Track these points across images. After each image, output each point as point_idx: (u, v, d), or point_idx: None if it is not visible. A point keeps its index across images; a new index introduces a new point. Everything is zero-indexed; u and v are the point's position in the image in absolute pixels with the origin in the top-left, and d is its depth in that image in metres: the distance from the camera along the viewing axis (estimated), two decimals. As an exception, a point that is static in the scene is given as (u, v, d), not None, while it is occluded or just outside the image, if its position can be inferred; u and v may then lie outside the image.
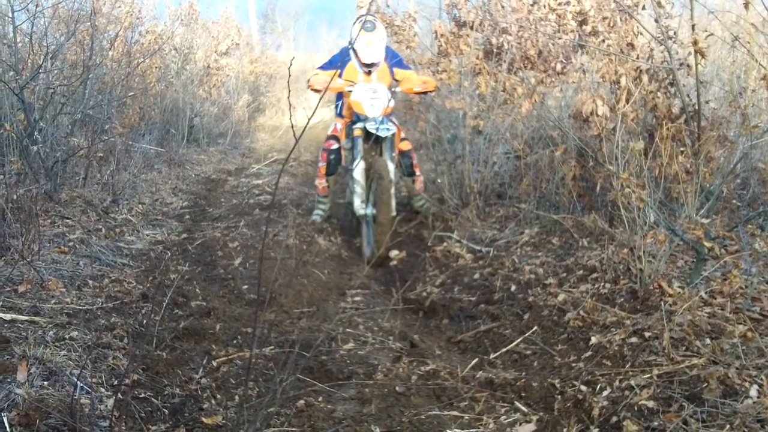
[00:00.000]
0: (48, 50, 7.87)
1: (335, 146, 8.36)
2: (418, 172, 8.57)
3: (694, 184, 5.36)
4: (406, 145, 8.44)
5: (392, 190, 7.50)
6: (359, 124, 7.81)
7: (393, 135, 7.84)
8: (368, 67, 8.04)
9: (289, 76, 3.33)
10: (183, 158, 12.82)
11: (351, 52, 8.12)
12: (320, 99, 3.91)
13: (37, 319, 4.66)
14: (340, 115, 8.38)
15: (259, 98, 21.42)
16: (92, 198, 7.90)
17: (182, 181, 11.30)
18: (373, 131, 7.66)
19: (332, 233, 8.27)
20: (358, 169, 7.76)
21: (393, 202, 7.49)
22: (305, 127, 3.49)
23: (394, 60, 8.30)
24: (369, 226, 7.58)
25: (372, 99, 7.74)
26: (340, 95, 8.20)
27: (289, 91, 3.36)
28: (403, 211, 8.64)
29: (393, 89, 8.07)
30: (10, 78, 7.52)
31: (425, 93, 8.32)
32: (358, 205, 7.73)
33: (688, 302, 4.57)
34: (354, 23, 8.12)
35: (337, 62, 8.19)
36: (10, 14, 7.79)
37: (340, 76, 8.06)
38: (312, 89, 7.88)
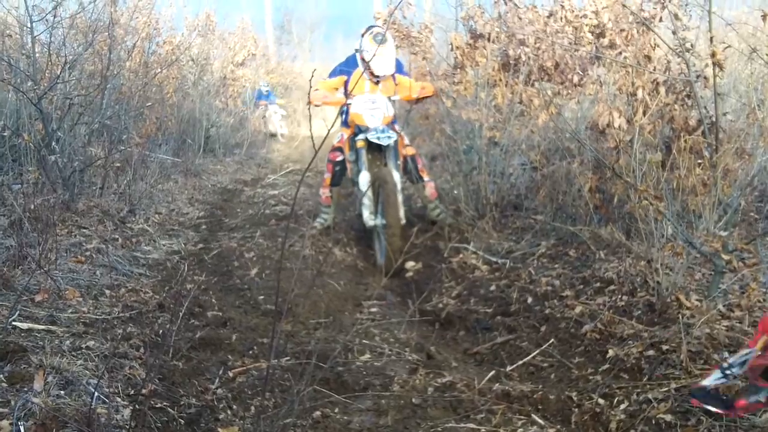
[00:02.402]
0: (66, 60, 7.90)
1: (340, 158, 8.38)
2: (426, 177, 8.55)
3: (711, 197, 5.34)
4: (410, 150, 8.45)
5: (399, 196, 7.56)
6: (361, 136, 7.87)
7: (396, 143, 7.89)
8: (377, 77, 8.06)
9: (310, 87, 3.33)
10: (199, 168, 12.86)
11: (358, 59, 8.14)
12: (339, 112, 3.93)
13: (53, 328, 4.67)
14: (345, 124, 8.39)
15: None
16: (109, 208, 7.93)
17: (198, 191, 11.33)
18: (375, 140, 7.70)
19: (348, 244, 8.27)
20: (364, 180, 7.83)
21: (401, 208, 7.55)
22: (325, 137, 3.49)
23: (397, 67, 8.35)
24: (380, 236, 7.58)
25: (371, 109, 7.81)
26: (344, 107, 8.19)
27: (309, 103, 3.37)
28: (418, 222, 8.63)
29: (392, 98, 8.13)
30: (28, 88, 7.55)
31: (425, 99, 8.35)
32: (367, 217, 7.76)
33: (706, 315, 4.55)
34: (363, 34, 8.11)
35: (344, 70, 8.28)
36: (29, 24, 7.83)
37: (346, 83, 8.14)
38: (312, 104, 7.79)
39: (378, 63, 7.92)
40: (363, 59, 8.05)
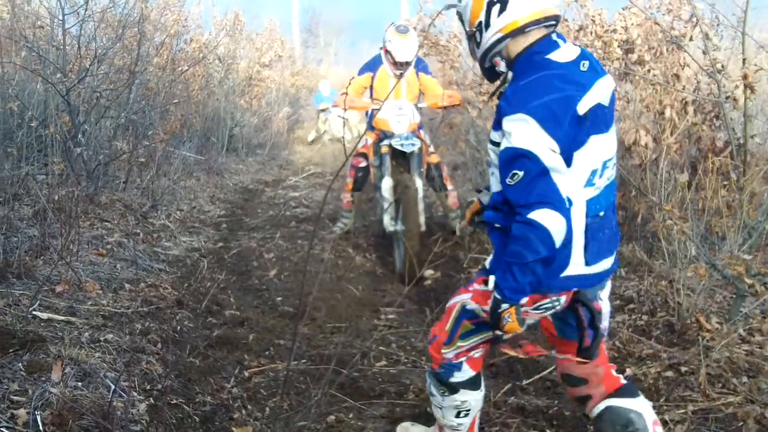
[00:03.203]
0: (95, 54, 7.93)
1: (363, 164, 8.36)
2: (450, 186, 8.51)
3: (736, 219, 5.31)
4: (435, 158, 8.42)
5: (420, 203, 7.55)
6: (386, 141, 7.85)
7: (420, 150, 7.87)
8: (400, 68, 7.99)
9: (345, 93, 3.33)
10: (221, 167, 12.89)
11: (383, 56, 8.15)
12: (368, 123, 3.94)
13: (73, 319, 4.69)
14: (371, 128, 8.37)
15: (299, 111, 21.51)
16: (132, 202, 7.95)
17: (220, 189, 11.35)
18: (398, 147, 7.71)
19: (367, 250, 8.26)
20: (386, 186, 7.78)
21: (422, 215, 7.53)
22: (356, 145, 3.50)
23: (420, 66, 8.33)
24: (399, 242, 7.57)
25: (398, 116, 7.81)
26: (371, 111, 8.18)
27: (345, 108, 3.37)
28: (439, 230, 8.62)
29: (418, 105, 8.11)
30: (57, 80, 7.58)
31: (451, 107, 8.33)
32: (388, 222, 7.72)
33: (726, 339, 4.53)
34: (387, 28, 8.10)
35: (370, 67, 8.25)
36: (61, 17, 7.86)
37: (372, 79, 8.14)
38: (339, 107, 7.76)
39: (399, 48, 7.86)
40: (386, 51, 8.03)
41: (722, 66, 6.33)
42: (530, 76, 3.20)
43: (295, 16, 32.79)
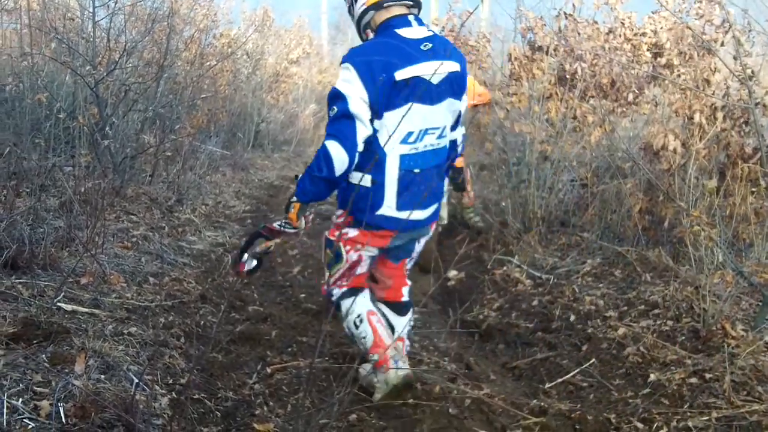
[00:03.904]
0: (125, 47, 7.97)
1: None
2: (469, 188, 8.74)
3: (765, 227, 5.28)
4: (460, 162, 8.46)
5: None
6: None
7: None
8: None
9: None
10: (247, 162, 12.91)
11: None
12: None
13: (97, 312, 4.70)
14: None
15: (325, 108, 21.51)
16: (157, 196, 7.97)
17: (245, 185, 11.37)
18: None
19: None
20: None
21: (444, 209, 7.82)
22: (387, 141, 3.49)
23: None
24: None
25: None
26: None
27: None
28: (463, 230, 8.64)
29: None
30: (86, 72, 7.61)
31: (481, 105, 8.38)
32: None
33: (752, 346, 4.50)
34: None
35: None
36: (91, 9, 7.90)
37: None
38: None
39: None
40: None
41: (753, 72, 6.29)
42: (374, 40, 4.11)
43: (324, 12, 32.74)
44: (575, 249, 7.37)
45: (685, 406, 4.20)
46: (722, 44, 7.20)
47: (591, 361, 5.10)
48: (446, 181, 7.84)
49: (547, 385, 4.95)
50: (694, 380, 4.41)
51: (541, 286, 6.72)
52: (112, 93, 7.94)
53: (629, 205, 6.82)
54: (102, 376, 3.86)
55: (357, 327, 4.42)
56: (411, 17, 4.04)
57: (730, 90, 6.76)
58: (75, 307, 4.65)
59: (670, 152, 6.35)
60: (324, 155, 3.89)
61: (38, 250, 5.14)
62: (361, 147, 3.92)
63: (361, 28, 4.22)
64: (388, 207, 4.10)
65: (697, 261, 5.36)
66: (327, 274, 4.48)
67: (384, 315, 4.59)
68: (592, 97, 8.18)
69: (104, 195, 6.46)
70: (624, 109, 8.22)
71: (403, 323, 4.60)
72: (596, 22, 8.38)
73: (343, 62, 3.94)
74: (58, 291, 4.70)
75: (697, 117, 6.45)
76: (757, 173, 5.80)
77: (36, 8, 9.21)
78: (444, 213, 7.81)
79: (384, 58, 3.86)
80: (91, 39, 8.02)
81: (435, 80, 3.96)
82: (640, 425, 4.09)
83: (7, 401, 3.35)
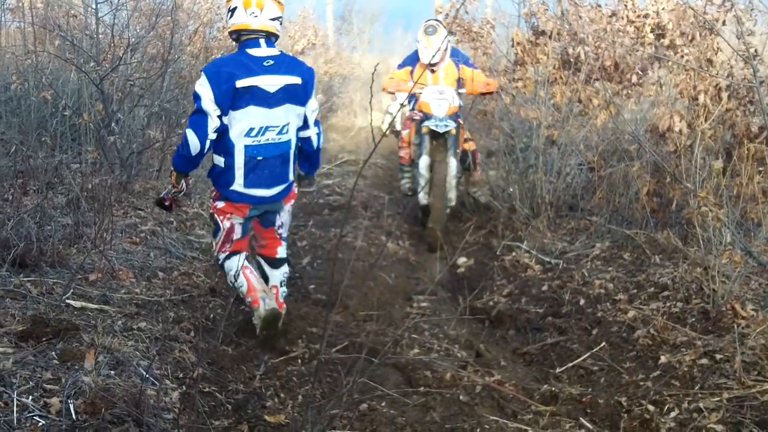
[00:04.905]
0: (129, 43, 7.97)
1: (418, 116, 8.51)
2: (478, 170, 9.05)
3: (772, 206, 5.26)
4: (470, 146, 8.83)
5: (453, 179, 8.16)
6: (426, 122, 8.26)
7: (457, 132, 8.29)
8: (430, 67, 8.40)
9: (372, 82, 3.33)
10: (255, 155, 12.87)
11: (419, 51, 8.54)
12: (398, 111, 4.17)
13: (106, 308, 4.72)
14: (414, 111, 8.60)
15: (332, 99, 21.44)
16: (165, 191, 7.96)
17: (253, 177, 11.33)
18: (433, 128, 8.16)
19: (401, 237, 8.25)
20: (423, 164, 8.24)
21: (452, 189, 8.17)
22: (387, 130, 3.48)
23: (459, 58, 8.76)
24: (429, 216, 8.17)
25: (438, 100, 8.27)
26: (413, 95, 8.48)
27: (371, 95, 3.36)
28: (473, 217, 8.65)
29: (459, 90, 8.47)
30: (90, 68, 7.61)
31: (489, 93, 8.61)
32: (422, 196, 8.30)
33: (762, 326, 4.49)
34: (422, 24, 8.55)
35: (409, 63, 8.79)
36: (94, 5, 7.89)
37: (411, 73, 8.61)
38: (385, 91, 8.88)
39: (424, 51, 8.40)
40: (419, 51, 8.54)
41: (756, 51, 6.25)
42: (228, 56, 5.49)
43: (329, 3, 32.66)
44: (584, 233, 7.35)
45: (696, 388, 4.19)
46: (723, 23, 7.17)
47: (601, 345, 5.09)
48: (457, 166, 8.07)
49: (558, 370, 4.95)
50: (704, 361, 4.41)
51: (551, 271, 6.71)
52: (117, 89, 7.93)
53: (637, 188, 6.80)
54: (112, 372, 3.87)
55: (236, 279, 5.15)
56: (262, 40, 5.06)
57: (734, 69, 6.73)
58: (84, 303, 4.67)
59: (675, 133, 6.33)
60: (184, 139, 4.92)
61: (46, 247, 5.16)
62: (213, 135, 4.92)
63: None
64: (239, 185, 5.11)
65: (705, 242, 5.34)
66: (213, 242, 5.46)
67: (260, 267, 5.52)
68: (597, 80, 8.17)
69: (111, 191, 6.46)
70: (628, 91, 8.21)
71: (276, 274, 5.50)
72: (599, 6, 8.37)
73: (202, 71, 5.00)
74: (66, 288, 4.72)
75: (701, 97, 6.42)
76: (763, 152, 5.77)
77: (39, 6, 9.21)
78: (451, 195, 8.13)
79: (230, 70, 4.90)
80: (95, 35, 8.02)
81: (271, 89, 5.01)
82: (651, 407, 4.08)
83: (17, 399, 3.37)
